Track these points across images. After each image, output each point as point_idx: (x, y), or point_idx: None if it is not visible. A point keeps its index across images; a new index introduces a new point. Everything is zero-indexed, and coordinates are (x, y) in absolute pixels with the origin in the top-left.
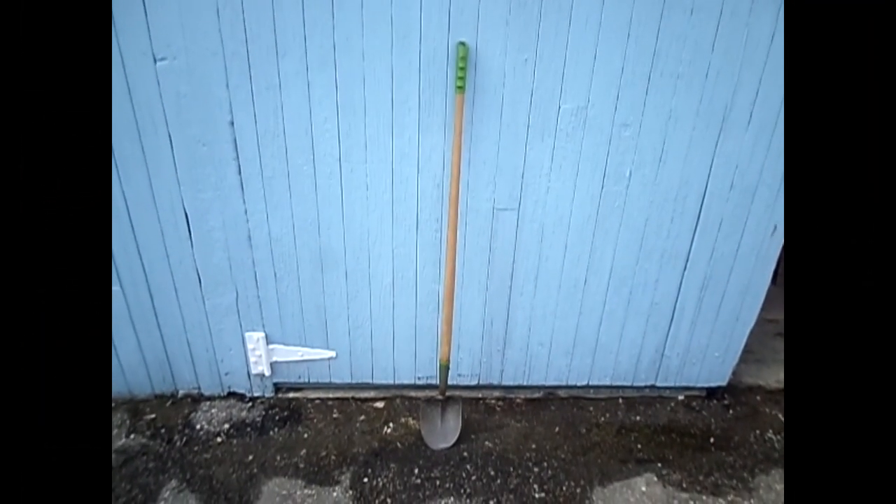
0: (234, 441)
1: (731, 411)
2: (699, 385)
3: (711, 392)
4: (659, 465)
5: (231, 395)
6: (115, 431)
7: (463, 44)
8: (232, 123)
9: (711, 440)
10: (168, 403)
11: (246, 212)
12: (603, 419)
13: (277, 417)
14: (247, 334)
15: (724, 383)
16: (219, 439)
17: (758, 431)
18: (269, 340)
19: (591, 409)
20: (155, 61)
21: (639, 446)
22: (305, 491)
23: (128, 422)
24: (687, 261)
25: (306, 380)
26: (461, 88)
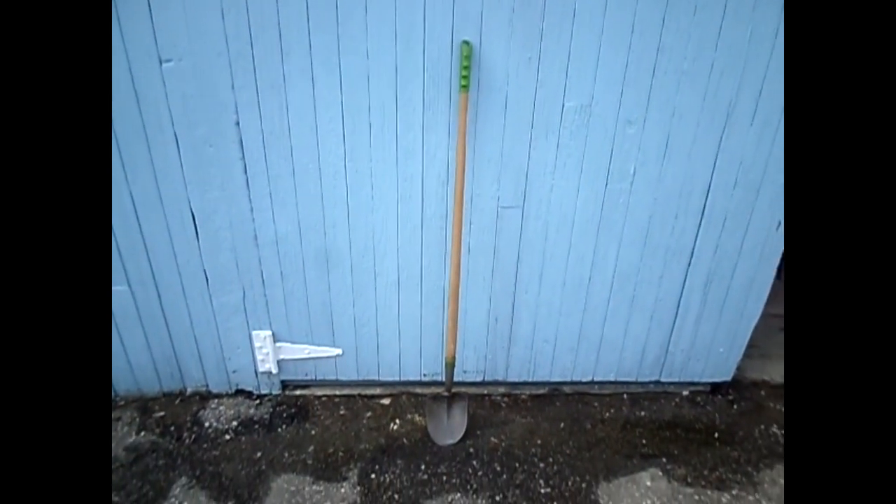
0: (243, 438)
1: (735, 406)
2: (704, 380)
3: (716, 387)
4: (664, 459)
5: (239, 392)
6: (125, 429)
7: (467, 43)
8: (238, 124)
9: (716, 435)
10: (177, 401)
11: (252, 211)
12: (608, 415)
13: (285, 414)
14: (254, 332)
15: (728, 378)
16: (227, 436)
17: (762, 426)
18: (275, 338)
19: (596, 404)
20: (161, 63)
21: (643, 441)
22: (313, 487)
23: (137, 419)
24: (691, 257)
25: (313, 377)
26: (465, 87)
